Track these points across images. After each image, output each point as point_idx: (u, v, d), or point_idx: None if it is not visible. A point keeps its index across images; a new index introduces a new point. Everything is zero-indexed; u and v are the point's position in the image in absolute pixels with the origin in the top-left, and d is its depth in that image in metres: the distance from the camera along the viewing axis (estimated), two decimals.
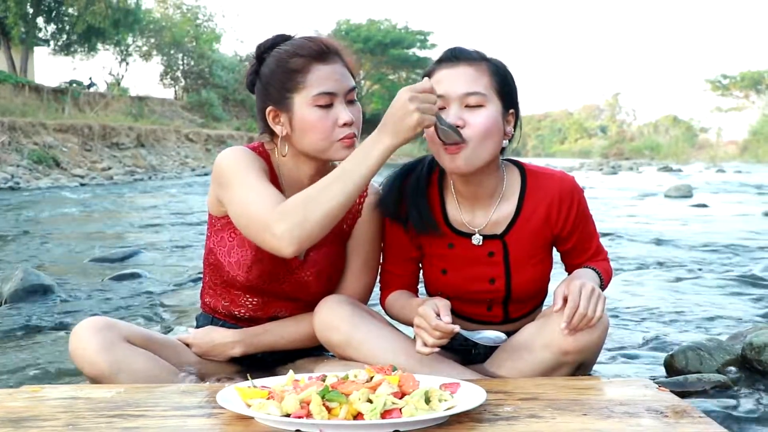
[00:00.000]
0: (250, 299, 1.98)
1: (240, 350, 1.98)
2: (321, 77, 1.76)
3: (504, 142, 1.82)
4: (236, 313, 2.00)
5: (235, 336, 1.98)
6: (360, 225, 1.97)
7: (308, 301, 1.95)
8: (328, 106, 1.77)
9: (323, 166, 1.87)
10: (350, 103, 1.81)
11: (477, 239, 1.89)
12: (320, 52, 1.78)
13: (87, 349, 1.73)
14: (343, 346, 1.82)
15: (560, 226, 1.89)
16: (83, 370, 1.77)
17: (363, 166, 1.60)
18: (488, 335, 1.78)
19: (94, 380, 1.76)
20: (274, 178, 1.88)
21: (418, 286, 2.04)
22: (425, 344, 1.67)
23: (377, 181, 2.02)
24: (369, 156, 1.60)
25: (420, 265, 2.01)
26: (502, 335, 1.78)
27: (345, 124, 1.77)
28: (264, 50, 1.87)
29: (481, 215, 1.90)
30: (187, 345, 2.01)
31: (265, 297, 1.97)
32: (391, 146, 1.59)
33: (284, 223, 1.61)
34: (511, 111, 1.83)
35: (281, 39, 1.87)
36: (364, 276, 2.00)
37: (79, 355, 1.75)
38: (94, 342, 1.73)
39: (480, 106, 1.74)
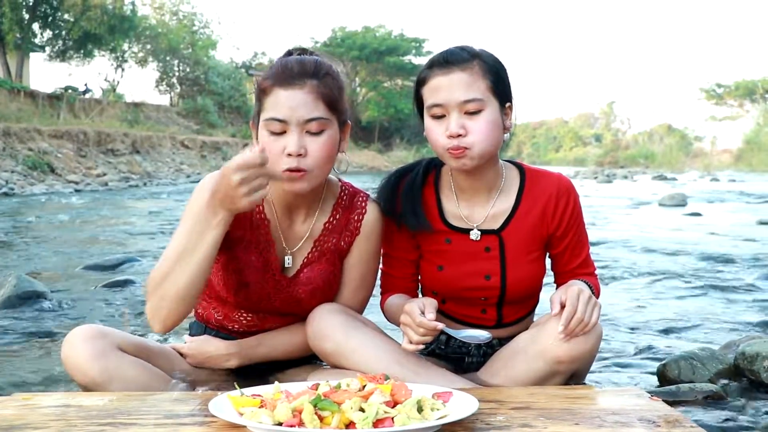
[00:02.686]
0: (244, 315, 1.98)
1: (235, 362, 1.97)
2: (276, 102, 1.72)
3: (505, 135, 1.86)
4: (229, 327, 2.00)
5: (230, 348, 1.97)
6: (359, 242, 1.96)
7: (303, 316, 1.94)
8: (281, 132, 1.72)
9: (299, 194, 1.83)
10: (312, 134, 1.73)
11: (475, 234, 1.92)
12: (285, 76, 1.73)
13: (79, 357, 1.73)
14: (336, 355, 1.82)
15: (555, 223, 1.92)
16: (75, 379, 1.76)
17: (202, 244, 1.64)
18: (473, 333, 1.78)
19: (86, 388, 1.76)
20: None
21: (418, 291, 2.05)
22: (410, 341, 1.70)
23: (372, 188, 2.03)
24: (205, 233, 1.63)
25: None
26: (486, 333, 1.78)
27: (289, 155, 1.71)
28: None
29: (479, 209, 1.93)
30: (181, 354, 2.00)
31: (259, 314, 1.97)
32: (228, 217, 1.62)
33: (148, 302, 1.72)
34: (508, 104, 1.86)
35: (293, 52, 1.85)
36: (361, 291, 2.00)
37: (71, 363, 1.74)
38: (86, 350, 1.73)
39: (479, 111, 1.78)
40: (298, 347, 1.96)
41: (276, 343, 1.98)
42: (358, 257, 1.96)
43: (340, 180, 1.99)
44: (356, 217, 1.95)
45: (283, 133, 1.72)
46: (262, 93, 1.76)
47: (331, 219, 1.93)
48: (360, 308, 2.01)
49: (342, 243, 1.94)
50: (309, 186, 1.77)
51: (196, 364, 1.98)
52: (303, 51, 1.85)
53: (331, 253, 1.93)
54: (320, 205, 1.93)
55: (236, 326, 1.99)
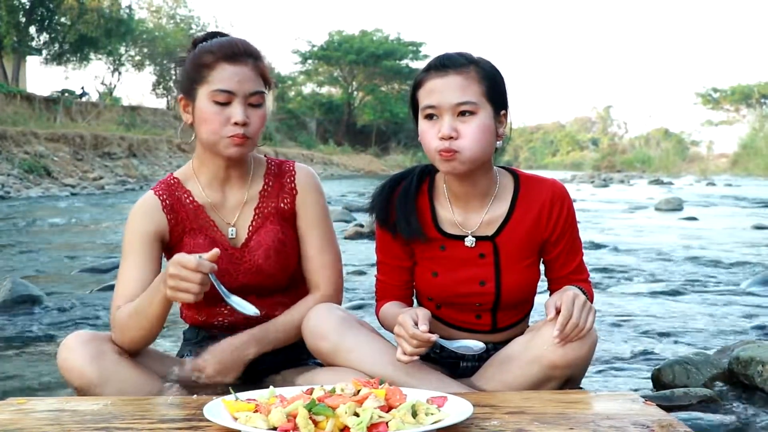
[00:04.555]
0: (222, 308, 2.00)
1: (254, 349, 1.92)
2: (224, 76, 1.85)
3: (498, 142, 1.86)
4: (215, 323, 2.03)
5: (242, 337, 1.92)
6: (302, 202, 2.04)
7: (274, 289, 2.00)
8: (226, 103, 1.86)
9: (236, 161, 1.95)
10: (253, 106, 1.88)
11: (470, 241, 1.92)
12: (231, 53, 1.87)
13: (76, 359, 1.74)
14: (332, 354, 1.83)
15: (550, 229, 1.92)
16: (71, 381, 1.77)
17: (151, 309, 1.74)
18: (466, 344, 1.78)
19: (82, 391, 1.76)
20: (175, 203, 1.98)
21: (413, 298, 2.05)
22: (404, 352, 1.69)
23: (368, 190, 2.05)
24: (153, 303, 1.74)
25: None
26: (481, 344, 1.78)
27: (236, 124, 1.85)
28: (196, 43, 1.97)
29: (474, 216, 1.93)
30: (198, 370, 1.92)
31: None
32: (167, 300, 1.71)
33: (113, 333, 1.84)
34: (503, 112, 1.86)
35: (212, 35, 1.97)
36: (326, 253, 2.03)
37: (68, 366, 1.75)
38: (83, 352, 1.74)
39: (472, 113, 1.78)
40: (297, 324, 1.94)
41: (281, 321, 1.97)
42: (308, 217, 2.04)
43: (265, 155, 2.12)
44: (288, 179, 2.05)
45: (227, 104, 1.86)
46: (204, 67, 1.87)
47: (265, 186, 2.04)
48: (333, 268, 2.03)
49: (282, 204, 2.03)
50: (247, 152, 1.93)
51: (217, 373, 1.89)
52: (221, 34, 1.98)
53: (273, 215, 2.02)
54: (251, 176, 2.03)
55: (220, 319, 2.02)
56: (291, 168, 2.07)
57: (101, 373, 1.74)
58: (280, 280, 2.01)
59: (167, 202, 1.97)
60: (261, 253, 1.97)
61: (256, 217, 2.01)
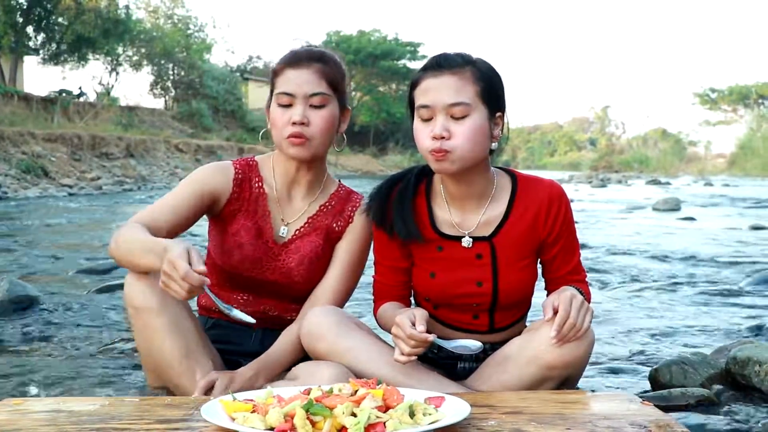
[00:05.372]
0: (240, 295, 2.07)
1: (263, 380, 1.93)
2: (286, 79, 1.97)
3: (492, 144, 1.86)
4: None
5: (252, 371, 1.94)
6: (351, 229, 2.10)
7: (293, 296, 2.05)
8: (288, 105, 1.96)
9: (303, 163, 2.03)
10: (314, 107, 1.96)
11: (467, 241, 1.92)
12: (294, 59, 1.98)
13: (140, 282, 1.86)
14: (329, 356, 1.83)
15: (548, 230, 1.92)
16: (132, 302, 1.87)
17: (140, 261, 1.81)
18: (464, 343, 1.78)
19: (138, 313, 1.86)
20: (245, 182, 2.07)
21: (410, 298, 2.05)
22: (402, 353, 1.70)
23: (366, 190, 2.06)
24: (143, 259, 1.79)
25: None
26: (478, 344, 1.78)
27: (293, 123, 1.94)
28: None
29: (471, 217, 1.93)
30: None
31: (253, 292, 2.06)
32: (153, 269, 1.78)
33: (111, 241, 1.91)
34: (498, 114, 1.85)
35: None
36: (347, 277, 2.08)
37: (131, 288, 1.87)
38: (148, 278, 1.85)
39: (465, 115, 1.78)
40: (297, 343, 1.96)
41: (285, 345, 1.99)
42: (348, 243, 2.10)
43: (339, 180, 2.18)
44: (351, 207, 2.12)
45: (289, 105, 1.96)
46: (274, 75, 2.01)
47: (327, 204, 2.11)
48: (343, 294, 2.08)
49: (334, 225, 2.10)
50: (309, 153, 1.99)
51: (224, 393, 1.90)
52: (309, 45, 2.08)
53: (322, 229, 2.09)
54: (320, 190, 2.12)
55: (235, 306, 2.01)
56: (357, 199, 2.14)
57: (161, 301, 1.83)
58: (302, 289, 2.06)
59: (239, 176, 2.07)
60: (296, 258, 2.05)
61: (306, 225, 2.09)
